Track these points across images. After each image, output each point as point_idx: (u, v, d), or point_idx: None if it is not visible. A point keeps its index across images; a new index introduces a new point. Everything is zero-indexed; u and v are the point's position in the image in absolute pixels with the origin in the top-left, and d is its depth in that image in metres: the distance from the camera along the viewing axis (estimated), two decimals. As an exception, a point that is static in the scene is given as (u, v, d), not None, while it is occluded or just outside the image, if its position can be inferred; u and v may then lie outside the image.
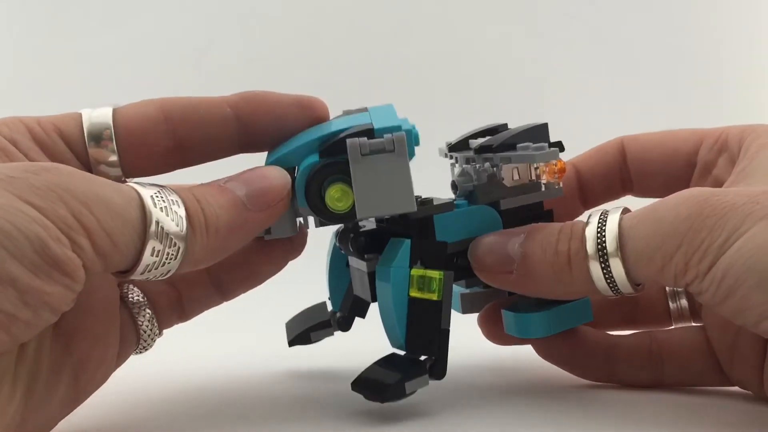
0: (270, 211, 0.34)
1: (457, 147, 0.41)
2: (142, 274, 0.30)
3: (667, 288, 0.43)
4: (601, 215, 0.35)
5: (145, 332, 0.38)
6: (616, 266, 0.34)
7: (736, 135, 0.40)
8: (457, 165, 0.41)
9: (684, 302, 0.43)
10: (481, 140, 0.40)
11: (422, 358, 0.36)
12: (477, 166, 0.39)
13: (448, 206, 0.38)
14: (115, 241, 0.29)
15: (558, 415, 0.37)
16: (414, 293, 0.35)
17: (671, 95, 0.81)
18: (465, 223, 0.38)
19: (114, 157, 0.35)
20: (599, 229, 0.35)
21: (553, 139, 0.40)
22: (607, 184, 0.44)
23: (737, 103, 0.80)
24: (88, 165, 0.35)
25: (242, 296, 0.42)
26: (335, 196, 0.35)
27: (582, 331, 0.42)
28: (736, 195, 0.33)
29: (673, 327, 0.43)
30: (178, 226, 0.30)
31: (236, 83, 0.77)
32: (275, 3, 0.80)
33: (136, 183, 0.31)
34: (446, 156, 0.42)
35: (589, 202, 0.45)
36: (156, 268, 0.30)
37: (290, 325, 0.45)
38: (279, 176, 0.34)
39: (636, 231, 0.34)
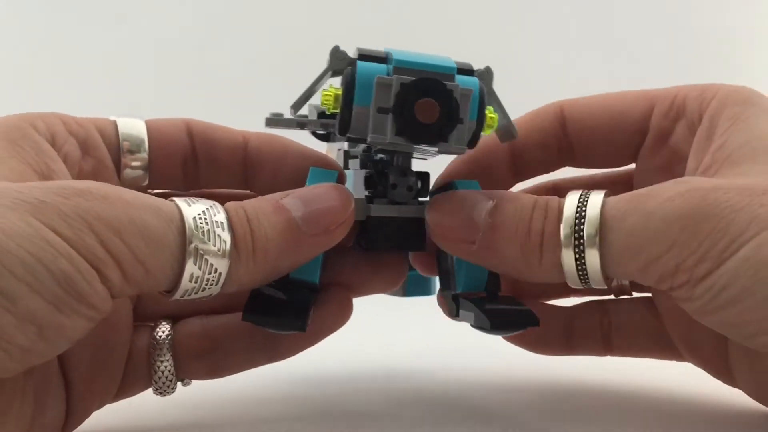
0: (328, 235, 0.31)
1: None
2: (181, 297, 0.29)
3: None
4: (581, 196, 0.31)
5: (156, 373, 0.35)
6: (592, 258, 0.30)
7: (695, 98, 0.36)
8: None
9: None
10: None
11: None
12: None
13: None
14: (149, 269, 0.27)
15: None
16: None
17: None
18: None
19: (142, 162, 0.36)
20: (578, 213, 0.30)
21: None
22: (543, 154, 0.39)
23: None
24: (118, 165, 0.35)
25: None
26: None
27: (542, 310, 0.40)
28: (737, 193, 0.29)
29: (621, 298, 0.41)
30: (220, 250, 0.29)
31: (236, 83, 0.77)
32: (275, 3, 0.80)
33: (181, 200, 0.29)
34: None
35: (521, 174, 0.39)
36: (196, 293, 0.29)
37: None
38: (342, 197, 0.32)
39: (621, 223, 0.30)
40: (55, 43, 0.79)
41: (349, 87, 0.31)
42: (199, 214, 0.29)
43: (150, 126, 0.36)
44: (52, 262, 0.25)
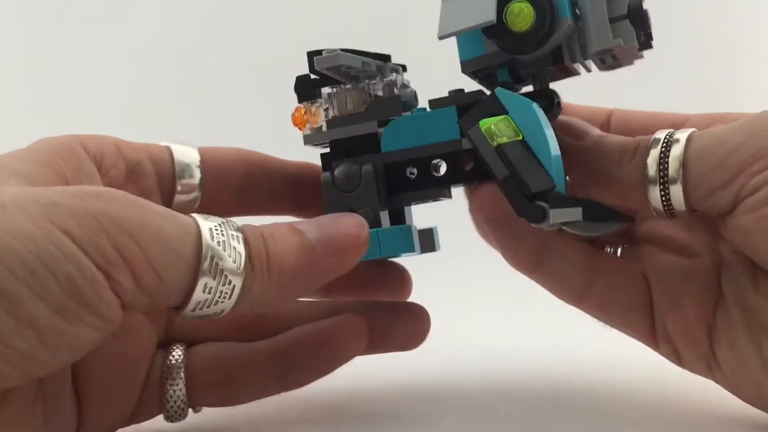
0: (341, 256, 0.32)
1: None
2: (193, 311, 0.29)
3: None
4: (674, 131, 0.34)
5: (169, 401, 0.35)
6: (676, 151, 0.32)
7: (734, 116, 0.37)
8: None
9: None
10: None
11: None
12: None
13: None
14: (162, 276, 0.27)
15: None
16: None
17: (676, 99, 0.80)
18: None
19: (195, 192, 0.37)
20: (670, 132, 0.33)
21: None
22: None
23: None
24: (169, 193, 0.36)
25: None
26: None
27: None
28: None
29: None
30: (235, 262, 0.28)
31: (236, 83, 0.77)
32: (276, 2, 0.80)
33: (196, 214, 0.29)
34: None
35: None
36: (208, 306, 0.29)
37: None
38: (355, 223, 0.33)
39: (706, 131, 0.33)
40: (54, 42, 0.79)
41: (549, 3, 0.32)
42: (215, 227, 0.29)
43: (204, 155, 0.37)
44: (56, 265, 0.25)
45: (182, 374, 0.35)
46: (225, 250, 0.28)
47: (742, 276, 0.35)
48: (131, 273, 0.26)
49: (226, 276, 0.28)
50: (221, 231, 0.29)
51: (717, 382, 0.36)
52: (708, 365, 0.36)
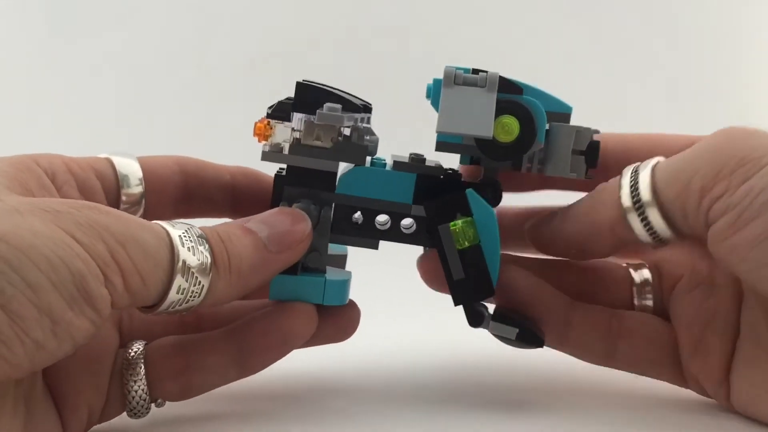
0: (290, 252, 0.35)
1: None
2: (165, 310, 0.32)
3: (634, 284, 0.41)
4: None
5: (129, 393, 0.36)
6: (644, 178, 0.34)
7: None
8: None
9: (649, 301, 0.41)
10: None
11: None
12: None
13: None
14: (146, 281, 0.30)
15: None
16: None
17: (674, 102, 0.80)
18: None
19: (139, 204, 0.38)
20: (636, 166, 0.35)
21: None
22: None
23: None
24: (114, 206, 0.38)
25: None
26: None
27: (541, 285, 0.40)
28: None
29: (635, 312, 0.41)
30: (203, 265, 0.32)
31: (236, 83, 0.78)
32: (276, 3, 0.80)
33: (165, 222, 0.32)
34: None
35: (549, 185, 0.43)
36: (180, 305, 0.32)
37: None
38: (300, 219, 0.36)
39: (671, 157, 0.34)
40: (54, 43, 0.80)
41: (533, 122, 0.37)
42: (182, 233, 0.32)
43: (144, 166, 0.39)
44: (70, 261, 0.28)
45: (141, 366, 0.36)
46: (194, 255, 0.32)
47: (756, 308, 0.36)
48: (122, 276, 0.29)
49: (196, 277, 0.32)
50: (188, 237, 0.32)
51: (735, 410, 0.37)
52: (728, 399, 0.37)
